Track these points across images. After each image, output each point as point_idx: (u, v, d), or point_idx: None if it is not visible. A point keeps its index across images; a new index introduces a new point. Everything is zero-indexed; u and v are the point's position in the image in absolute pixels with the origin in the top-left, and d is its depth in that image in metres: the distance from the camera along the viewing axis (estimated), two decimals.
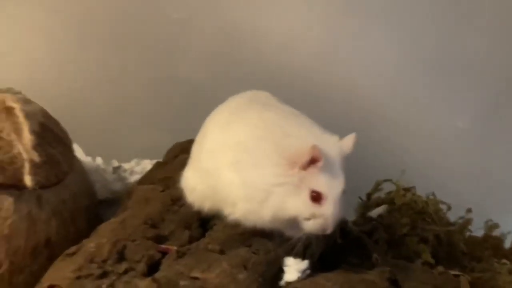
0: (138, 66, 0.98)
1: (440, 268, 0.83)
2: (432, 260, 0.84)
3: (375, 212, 0.90)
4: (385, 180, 0.92)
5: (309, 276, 0.65)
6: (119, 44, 0.96)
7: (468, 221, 0.97)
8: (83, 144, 0.92)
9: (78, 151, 0.89)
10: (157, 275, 0.55)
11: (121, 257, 0.57)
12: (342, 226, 0.81)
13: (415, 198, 0.87)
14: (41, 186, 0.64)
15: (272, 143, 0.61)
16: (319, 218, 0.61)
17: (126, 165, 0.89)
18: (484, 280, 0.88)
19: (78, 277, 0.53)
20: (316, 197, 0.60)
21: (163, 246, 0.60)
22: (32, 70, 0.93)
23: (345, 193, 0.63)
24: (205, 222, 0.69)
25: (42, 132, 0.67)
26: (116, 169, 0.89)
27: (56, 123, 0.73)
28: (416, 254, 0.86)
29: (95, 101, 0.96)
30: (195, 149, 0.68)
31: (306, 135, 0.61)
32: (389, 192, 0.93)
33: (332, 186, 0.61)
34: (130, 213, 0.65)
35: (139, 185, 0.73)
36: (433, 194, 0.94)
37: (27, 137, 0.62)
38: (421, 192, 0.92)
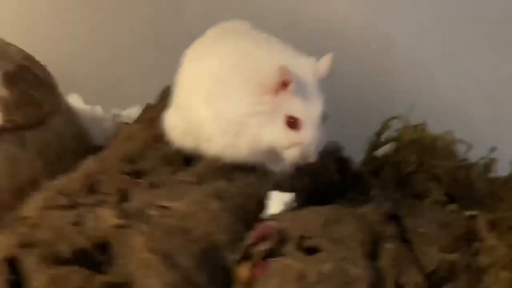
0: (139, 11, 0.96)
1: (452, 207, 0.79)
2: (442, 198, 0.79)
3: (381, 151, 0.86)
4: (393, 118, 0.87)
5: (294, 209, 0.62)
6: None
7: (491, 161, 0.91)
8: (84, 93, 0.92)
9: (77, 100, 0.90)
10: (124, 205, 0.54)
11: (93, 190, 0.56)
12: (341, 163, 0.77)
13: (423, 134, 0.82)
14: (20, 126, 0.65)
15: (244, 70, 0.58)
16: (298, 146, 0.58)
17: (124, 112, 0.88)
18: (504, 219, 0.82)
19: (45, 208, 0.53)
20: (293, 123, 0.57)
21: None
22: (29, 20, 0.93)
23: (326, 117, 0.60)
24: (191, 160, 0.68)
25: (21, 73, 0.67)
26: (116, 117, 0.88)
27: (40, 66, 0.72)
28: (425, 192, 0.81)
29: (95, 49, 0.96)
30: (175, 86, 0.66)
31: (276, 58, 0.57)
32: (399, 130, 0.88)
33: (309, 110, 0.57)
34: (109, 150, 0.64)
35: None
36: (449, 131, 0.88)
37: None
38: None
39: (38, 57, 0.82)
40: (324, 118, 0.59)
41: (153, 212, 0.53)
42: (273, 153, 0.60)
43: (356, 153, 0.91)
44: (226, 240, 0.53)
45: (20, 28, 0.92)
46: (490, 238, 0.74)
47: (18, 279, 0.48)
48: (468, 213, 0.80)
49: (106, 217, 0.50)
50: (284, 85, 0.56)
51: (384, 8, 1.00)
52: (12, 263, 0.48)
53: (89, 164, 0.61)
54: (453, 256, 0.67)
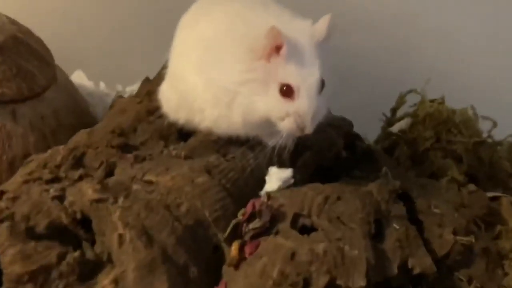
0: None
1: (471, 187, 0.73)
2: (460, 177, 0.74)
3: (397, 127, 0.81)
4: (409, 91, 0.81)
5: (293, 185, 0.58)
6: None
7: None
8: (89, 70, 0.91)
9: (81, 76, 0.88)
10: (108, 179, 0.51)
11: (78, 164, 0.54)
12: (350, 139, 0.73)
13: (440, 108, 0.76)
14: (11, 99, 0.63)
15: (234, 35, 0.54)
16: (294, 116, 0.53)
17: (128, 89, 0.86)
18: None
19: (26, 181, 0.51)
20: (287, 91, 0.52)
21: None
22: None
23: (324, 85, 0.54)
24: (188, 135, 0.64)
25: (13, 44, 0.65)
26: (119, 93, 0.86)
27: (36, 39, 0.70)
28: (442, 171, 0.76)
29: (100, 26, 0.94)
30: (169, 56, 0.63)
31: (268, 20, 0.52)
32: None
33: (304, 76, 0.52)
34: (101, 123, 0.62)
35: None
36: (471, 107, 0.82)
37: None
38: None
39: (43, 34, 0.81)
40: (322, 85, 0.54)
41: (137, 187, 0.50)
42: (269, 125, 0.55)
43: (373, 129, 0.87)
44: (214, 217, 0.50)
45: (24, 4, 0.91)
46: None
47: None
48: (490, 194, 0.75)
49: (86, 191, 0.48)
50: (276, 49, 0.51)
51: None
52: None
53: (77, 137, 0.58)
54: (468, 239, 0.62)
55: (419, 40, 0.94)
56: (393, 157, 0.79)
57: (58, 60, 0.83)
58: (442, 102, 0.78)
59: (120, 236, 0.45)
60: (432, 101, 0.80)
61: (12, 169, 0.63)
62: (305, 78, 0.52)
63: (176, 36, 0.61)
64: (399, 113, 0.84)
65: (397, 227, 0.58)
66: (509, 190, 0.79)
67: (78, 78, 0.88)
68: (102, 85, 0.88)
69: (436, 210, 0.65)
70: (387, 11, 0.93)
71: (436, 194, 0.68)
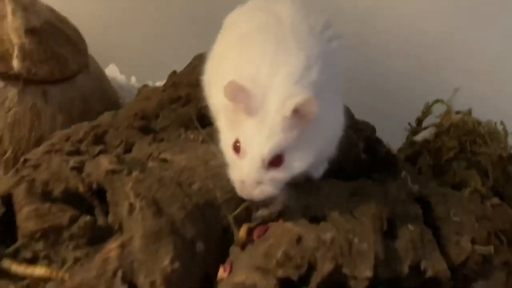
0: None
1: (495, 200, 0.71)
2: (482, 188, 0.72)
3: (420, 136, 0.79)
4: (436, 101, 0.80)
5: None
6: None
7: None
8: (123, 65, 0.93)
9: (114, 70, 0.92)
10: (125, 155, 0.53)
11: (99, 140, 0.56)
12: (370, 143, 0.72)
13: (466, 119, 0.75)
14: (44, 80, 0.66)
15: (233, 61, 0.52)
16: (236, 170, 0.49)
17: (157, 83, 0.89)
18: None
19: (48, 151, 0.53)
20: (237, 147, 0.49)
21: None
22: None
23: (282, 160, 0.48)
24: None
25: (49, 30, 0.68)
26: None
27: (71, 28, 0.74)
28: (465, 182, 0.74)
29: (134, 23, 0.97)
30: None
31: (251, 67, 0.49)
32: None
33: (253, 142, 0.48)
34: (126, 107, 0.64)
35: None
36: (501, 123, 0.80)
37: (16, 21, 0.63)
38: None
39: (80, 28, 0.85)
40: (276, 161, 0.48)
41: (153, 164, 0.51)
42: None
43: (398, 138, 0.86)
44: (225, 198, 0.50)
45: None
46: None
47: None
48: None
49: (102, 163, 0.49)
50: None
51: None
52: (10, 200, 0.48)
53: (102, 117, 0.60)
54: (487, 249, 0.60)
55: (450, 52, 0.93)
56: (415, 167, 0.78)
57: (94, 54, 0.87)
58: (468, 113, 0.77)
59: (131, 205, 0.46)
60: (458, 112, 0.79)
61: (39, 145, 0.65)
62: (253, 145, 0.48)
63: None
64: (425, 123, 0.84)
65: (412, 228, 0.58)
66: None
67: (112, 71, 0.92)
68: (133, 79, 0.91)
69: (456, 218, 0.63)
70: (418, 24, 0.93)
71: (457, 203, 0.67)
